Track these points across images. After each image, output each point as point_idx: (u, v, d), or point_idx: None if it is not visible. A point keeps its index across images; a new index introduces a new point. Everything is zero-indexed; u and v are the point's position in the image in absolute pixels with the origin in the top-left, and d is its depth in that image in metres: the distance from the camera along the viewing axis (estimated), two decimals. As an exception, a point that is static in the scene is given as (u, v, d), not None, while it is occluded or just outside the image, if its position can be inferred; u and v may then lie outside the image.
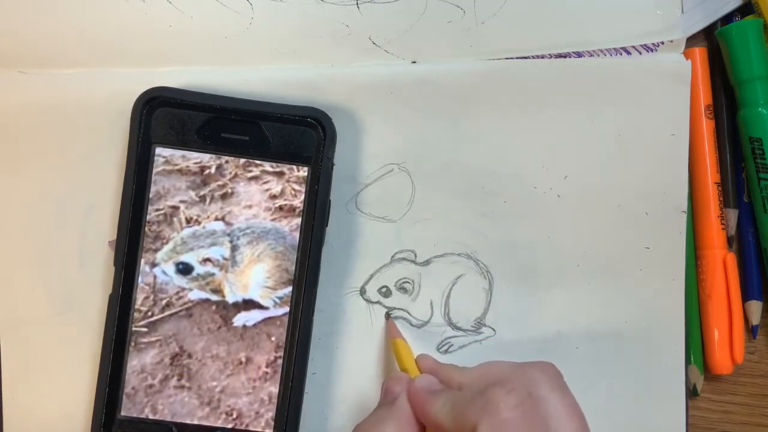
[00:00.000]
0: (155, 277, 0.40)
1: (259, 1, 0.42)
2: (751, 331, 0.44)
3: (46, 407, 0.41)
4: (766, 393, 0.45)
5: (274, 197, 0.40)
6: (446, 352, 0.42)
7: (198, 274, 0.40)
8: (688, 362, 0.43)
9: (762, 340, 0.45)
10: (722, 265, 0.43)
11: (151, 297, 0.40)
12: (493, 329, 0.42)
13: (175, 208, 0.40)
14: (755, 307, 0.44)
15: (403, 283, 0.42)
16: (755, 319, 0.44)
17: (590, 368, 0.42)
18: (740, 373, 0.44)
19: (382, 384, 0.37)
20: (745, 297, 0.44)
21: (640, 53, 0.43)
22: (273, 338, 0.40)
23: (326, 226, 0.40)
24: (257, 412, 0.40)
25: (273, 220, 0.40)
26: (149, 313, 0.40)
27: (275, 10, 0.42)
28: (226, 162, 0.40)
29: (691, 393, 0.43)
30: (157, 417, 0.40)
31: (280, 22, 0.42)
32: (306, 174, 0.40)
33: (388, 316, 0.42)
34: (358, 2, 0.42)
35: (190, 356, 0.40)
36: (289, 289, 0.40)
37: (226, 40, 0.42)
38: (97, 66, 0.42)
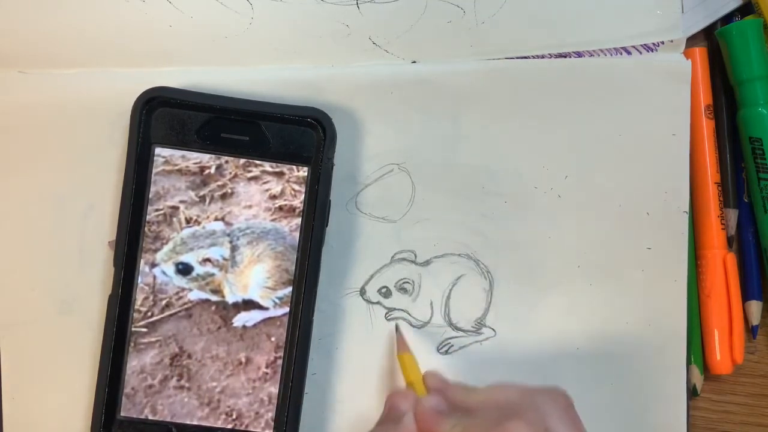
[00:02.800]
0: (155, 277, 0.40)
1: (259, 1, 0.42)
2: (751, 331, 0.44)
3: (46, 407, 0.41)
4: (766, 393, 0.45)
5: (274, 197, 0.40)
6: (446, 352, 0.42)
7: (198, 275, 0.40)
8: (688, 362, 0.43)
9: (762, 340, 0.45)
10: (722, 265, 0.43)
11: (151, 297, 0.40)
12: (494, 330, 0.42)
13: (175, 208, 0.40)
14: (755, 307, 0.44)
15: (403, 283, 0.42)
16: (755, 319, 0.44)
17: (591, 369, 0.42)
18: (740, 373, 0.44)
19: (385, 399, 0.37)
20: (745, 297, 0.44)
21: (640, 53, 0.43)
22: (273, 339, 0.40)
23: (326, 226, 0.40)
24: (257, 413, 0.40)
25: (273, 220, 0.40)
26: (149, 314, 0.40)
27: (275, 10, 0.42)
28: (226, 162, 0.40)
29: (691, 393, 0.43)
30: (156, 417, 0.40)
31: (280, 22, 0.42)
32: (306, 174, 0.40)
33: (397, 328, 0.42)
34: (358, 2, 0.42)
35: (189, 357, 0.40)
36: (289, 289, 0.40)
37: (226, 40, 0.42)
38: (97, 66, 0.42)
